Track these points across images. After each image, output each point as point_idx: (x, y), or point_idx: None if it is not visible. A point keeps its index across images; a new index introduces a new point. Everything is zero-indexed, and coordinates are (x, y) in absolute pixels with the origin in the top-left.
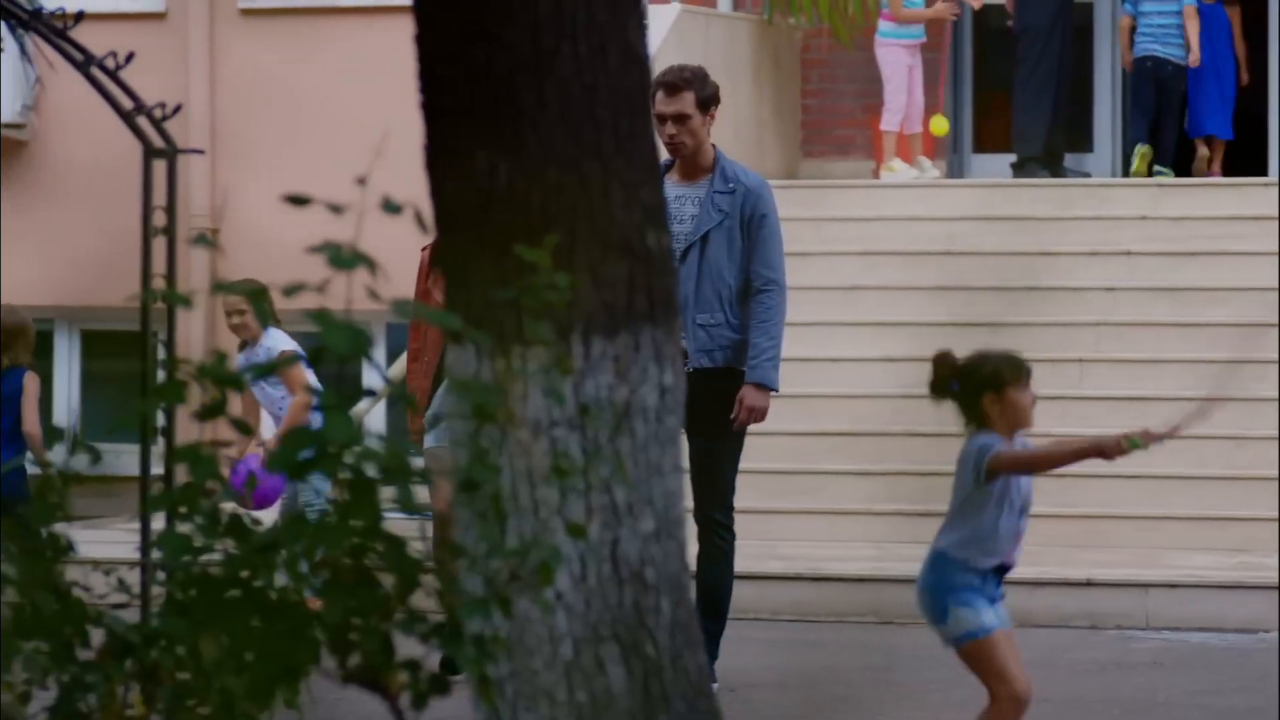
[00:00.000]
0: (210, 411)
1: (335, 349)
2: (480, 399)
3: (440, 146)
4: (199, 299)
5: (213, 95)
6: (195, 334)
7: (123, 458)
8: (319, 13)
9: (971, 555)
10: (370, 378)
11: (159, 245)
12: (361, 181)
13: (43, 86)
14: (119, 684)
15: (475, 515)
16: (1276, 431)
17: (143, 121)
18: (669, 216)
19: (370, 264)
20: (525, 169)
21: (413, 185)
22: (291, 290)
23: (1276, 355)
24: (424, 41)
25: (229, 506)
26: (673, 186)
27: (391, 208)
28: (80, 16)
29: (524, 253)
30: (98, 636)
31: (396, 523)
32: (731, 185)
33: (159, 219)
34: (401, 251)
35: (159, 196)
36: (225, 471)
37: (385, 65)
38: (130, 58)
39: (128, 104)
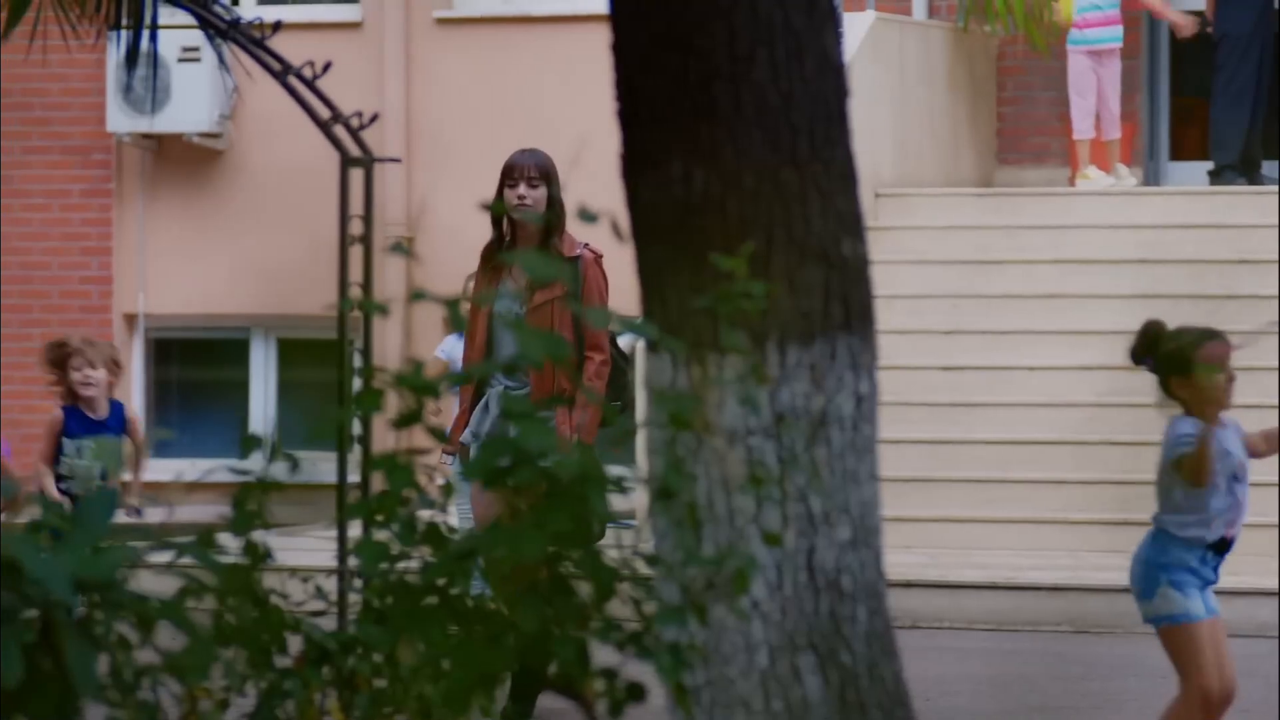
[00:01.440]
0: (407, 419)
1: (531, 356)
2: (676, 407)
3: (636, 155)
4: (395, 307)
5: (408, 104)
6: (392, 342)
7: (319, 465)
8: (514, 21)
9: (1190, 531)
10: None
11: (356, 253)
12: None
13: (240, 96)
14: (316, 691)
15: (671, 523)
16: None
17: (339, 130)
18: (864, 225)
19: (568, 272)
20: (721, 176)
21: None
22: (485, 298)
23: None
24: (621, 50)
25: (426, 514)
26: None
27: (587, 216)
28: (278, 26)
29: (720, 261)
30: (295, 644)
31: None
32: None
33: (356, 227)
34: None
35: (356, 205)
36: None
37: (580, 73)
38: (327, 67)
39: (325, 113)
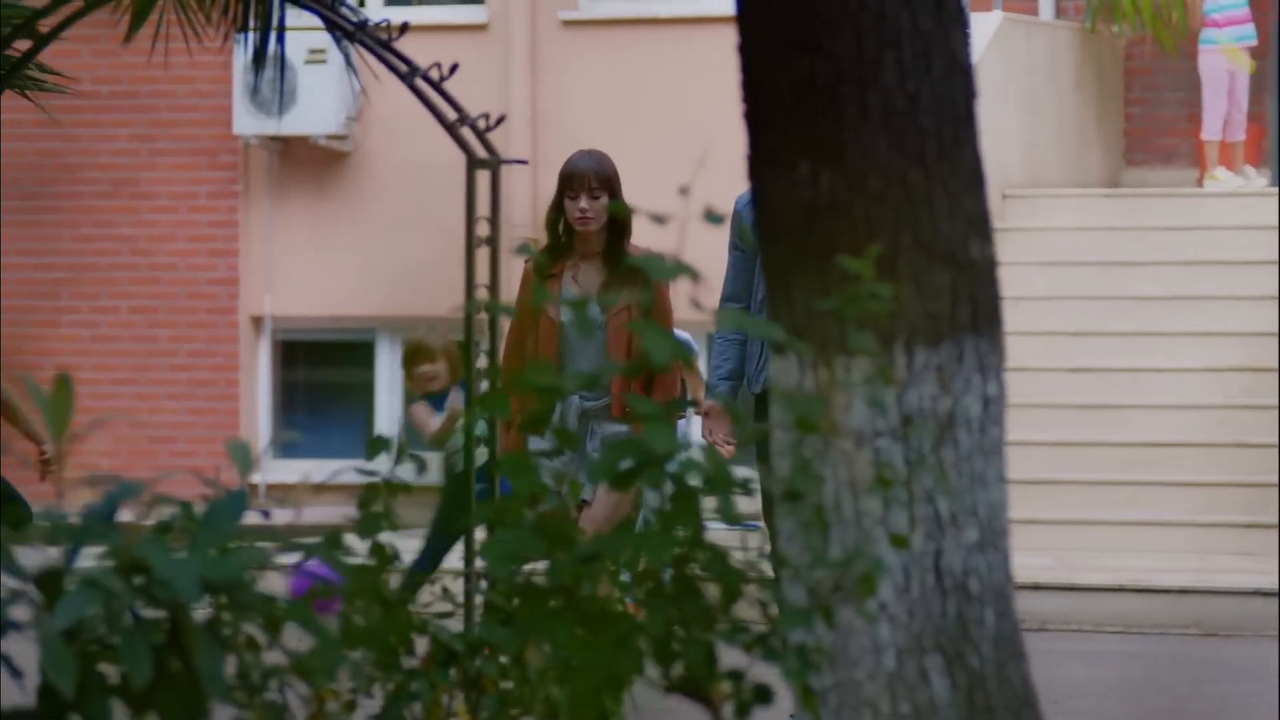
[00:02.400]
0: (534, 422)
1: (655, 359)
2: (803, 409)
3: (763, 156)
4: None
5: (534, 105)
6: None
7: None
8: (640, 23)
9: None
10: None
11: (482, 255)
12: (684, 191)
13: (366, 98)
14: (443, 692)
15: (798, 526)
16: None
17: (466, 132)
18: (992, 227)
19: (693, 274)
20: (848, 178)
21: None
22: (610, 301)
23: None
24: (747, 52)
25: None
26: None
27: (714, 218)
28: (405, 28)
29: (847, 262)
30: (422, 645)
31: (719, 533)
32: None
33: (482, 229)
34: (725, 262)
35: (482, 206)
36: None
37: (706, 75)
38: (454, 69)
39: (451, 115)
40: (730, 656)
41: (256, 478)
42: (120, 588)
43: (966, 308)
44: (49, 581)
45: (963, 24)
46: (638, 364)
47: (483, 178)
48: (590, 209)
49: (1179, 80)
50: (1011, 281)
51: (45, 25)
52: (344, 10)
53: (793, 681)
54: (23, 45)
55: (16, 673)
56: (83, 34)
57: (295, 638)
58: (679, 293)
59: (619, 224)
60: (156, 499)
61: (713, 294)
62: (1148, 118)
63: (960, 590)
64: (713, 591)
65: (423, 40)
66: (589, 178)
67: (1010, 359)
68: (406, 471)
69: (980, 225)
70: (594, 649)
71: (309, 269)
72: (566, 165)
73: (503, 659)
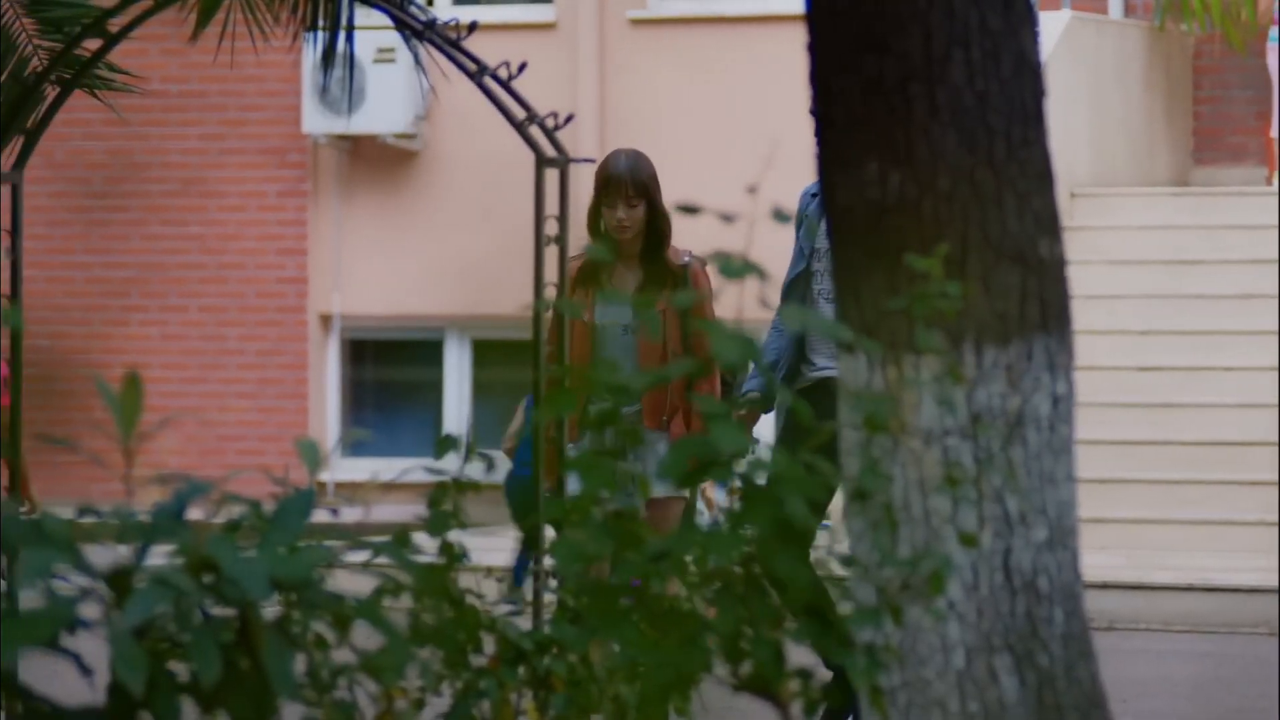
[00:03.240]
0: (603, 420)
1: (725, 358)
2: (872, 408)
3: (832, 156)
4: None
5: (602, 104)
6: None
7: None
8: (708, 22)
9: None
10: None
11: (550, 254)
12: (752, 190)
13: (435, 96)
14: (511, 691)
15: (867, 524)
16: None
17: (534, 131)
18: (1061, 225)
19: (761, 273)
20: (917, 178)
21: (802, 194)
22: (681, 299)
23: None
24: (816, 50)
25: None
26: None
27: (782, 217)
28: (474, 27)
29: (916, 261)
30: (490, 643)
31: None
32: None
33: (551, 228)
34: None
35: (550, 205)
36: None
37: (775, 74)
38: (523, 68)
39: (520, 113)
40: (798, 655)
41: (325, 476)
42: (190, 586)
43: (1035, 306)
44: (119, 579)
45: (1031, 22)
46: (701, 365)
47: (551, 176)
48: (628, 218)
49: (1248, 78)
50: (1079, 280)
51: (114, 25)
52: (413, 9)
53: (861, 681)
54: (92, 45)
55: (86, 670)
56: (152, 33)
57: (364, 636)
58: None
59: (657, 227)
60: (225, 497)
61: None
62: (1216, 116)
63: (1029, 589)
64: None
65: (491, 39)
66: (625, 185)
67: (1078, 357)
68: (475, 470)
69: (1049, 224)
70: (662, 648)
71: (377, 268)
72: (602, 170)
73: (571, 657)
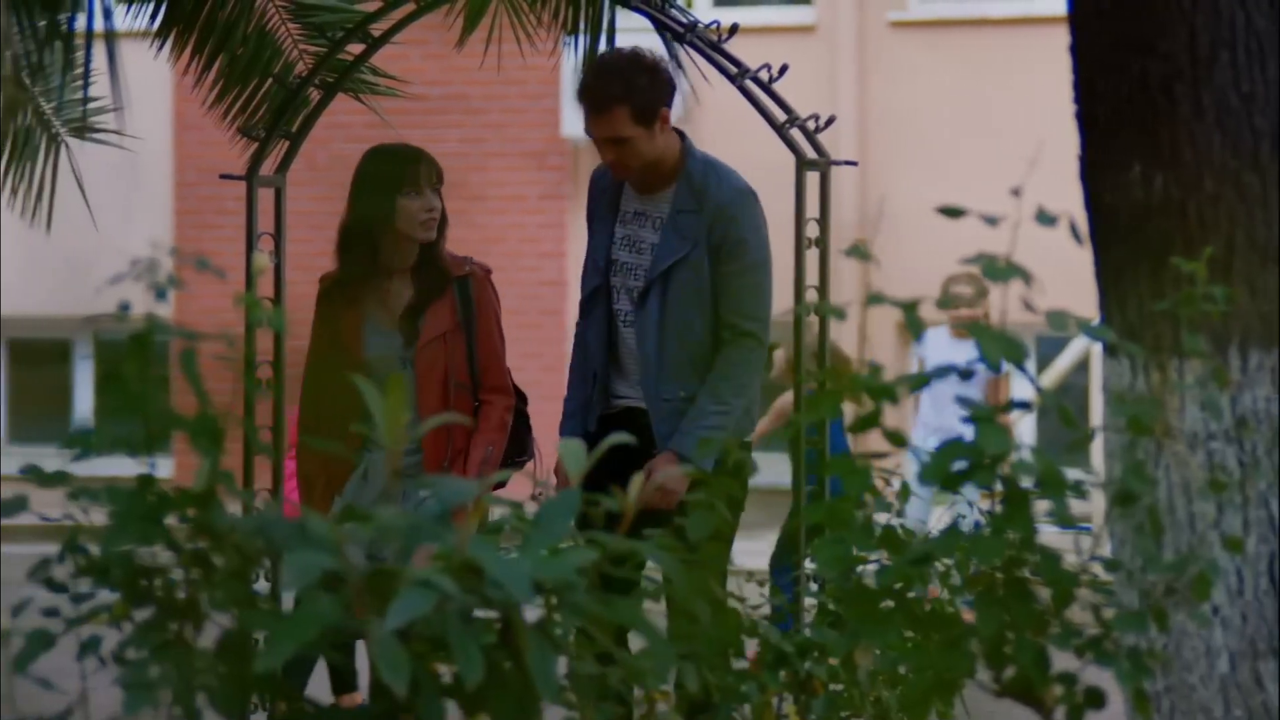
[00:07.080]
0: (865, 423)
1: (991, 360)
2: (1136, 411)
3: (1096, 157)
4: (851, 311)
5: (861, 106)
6: (847, 346)
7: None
8: (969, 24)
9: None
10: (1023, 388)
11: (811, 256)
12: (1016, 193)
13: (695, 99)
14: (773, 694)
15: (1131, 529)
16: None
17: (795, 133)
18: None
19: (1025, 275)
20: (1181, 180)
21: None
22: (945, 302)
23: None
24: (1080, 52)
25: (883, 518)
26: (631, 200)
27: (1046, 219)
28: (735, 30)
29: (1181, 264)
30: (752, 647)
31: (1051, 535)
32: (697, 202)
33: (811, 230)
34: (1057, 263)
35: (811, 208)
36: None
37: (1036, 75)
38: (784, 70)
39: (780, 116)
40: (1062, 660)
41: None
42: (452, 588)
43: None
44: (381, 581)
45: None
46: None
47: (811, 179)
48: (436, 210)
49: None
50: None
51: (377, 29)
52: (674, 12)
53: (1126, 685)
54: (355, 49)
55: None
56: (414, 37)
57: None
58: (1011, 293)
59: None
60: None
61: (1045, 296)
62: None
63: None
64: (1044, 594)
65: (749, 41)
66: (433, 167)
67: None
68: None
69: None
70: (925, 651)
71: None
72: (397, 154)
73: (832, 661)
